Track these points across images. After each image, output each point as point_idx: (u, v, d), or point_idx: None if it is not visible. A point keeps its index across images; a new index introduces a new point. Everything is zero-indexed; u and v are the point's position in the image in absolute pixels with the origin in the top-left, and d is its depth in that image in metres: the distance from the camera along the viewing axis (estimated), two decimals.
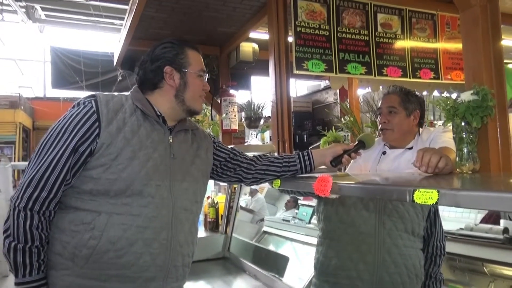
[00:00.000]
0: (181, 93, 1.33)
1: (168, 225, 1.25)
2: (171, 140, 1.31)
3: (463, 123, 1.39)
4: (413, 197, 1.06)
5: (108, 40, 10.99)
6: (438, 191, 0.99)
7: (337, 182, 1.32)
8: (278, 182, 1.79)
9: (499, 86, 1.50)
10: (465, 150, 1.40)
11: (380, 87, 3.90)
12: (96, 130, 1.18)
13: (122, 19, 8.40)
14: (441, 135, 1.81)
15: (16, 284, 1.14)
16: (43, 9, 9.09)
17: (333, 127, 5.15)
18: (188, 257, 1.36)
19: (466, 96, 1.37)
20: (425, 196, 1.03)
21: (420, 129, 1.93)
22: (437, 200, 0.99)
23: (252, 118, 3.34)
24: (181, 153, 1.33)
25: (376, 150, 1.98)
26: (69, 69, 9.90)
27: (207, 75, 1.40)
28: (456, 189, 0.99)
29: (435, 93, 4.22)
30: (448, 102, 1.39)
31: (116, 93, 1.33)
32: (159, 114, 1.30)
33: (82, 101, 1.24)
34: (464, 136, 1.40)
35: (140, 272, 1.20)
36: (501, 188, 1.05)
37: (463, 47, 1.56)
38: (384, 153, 1.97)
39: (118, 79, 6.38)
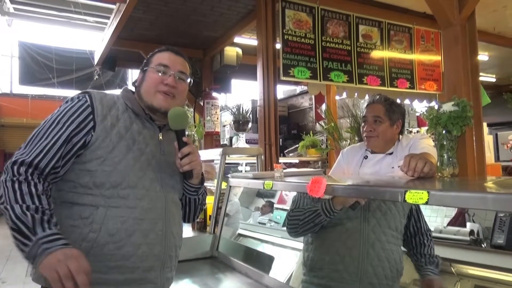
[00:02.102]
0: (138, 89, 1.38)
1: (163, 217, 1.31)
2: (161, 137, 1.37)
3: (444, 131, 1.54)
4: (404, 197, 1.16)
5: (81, 37, 10.72)
6: (428, 192, 1.10)
7: (330, 183, 1.41)
8: (270, 183, 1.87)
9: (475, 98, 1.65)
10: (446, 156, 1.54)
11: (356, 94, 4.07)
12: (90, 122, 1.22)
13: (97, 16, 8.27)
14: (419, 141, 1.94)
15: (37, 243, 1.02)
16: (12, 1, 8.78)
17: (311, 132, 5.30)
18: (179, 248, 1.42)
19: (448, 107, 1.51)
20: (416, 197, 1.14)
21: (400, 136, 2.06)
22: (427, 200, 1.09)
23: (241, 122, 3.42)
24: (170, 150, 1.38)
25: (358, 154, 2.10)
26: (39, 65, 9.60)
27: (171, 71, 1.34)
28: (445, 190, 1.11)
29: (406, 101, 4.46)
30: (432, 112, 1.53)
31: (107, 92, 1.37)
32: (147, 113, 1.36)
33: (76, 96, 1.28)
34: (445, 143, 1.54)
35: (139, 262, 1.25)
36: (482, 190, 1.18)
37: (444, 62, 1.71)
38: (366, 157, 2.07)
39: (95, 77, 6.29)
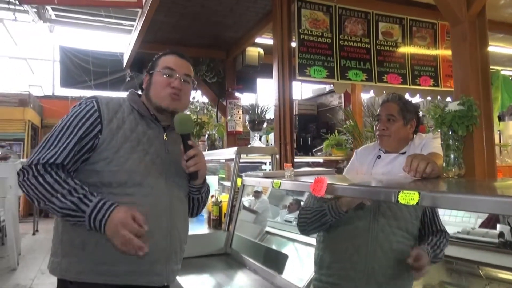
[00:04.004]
0: (147, 92, 1.45)
1: (167, 213, 1.38)
2: (165, 137, 1.44)
3: (450, 131, 1.50)
4: (397, 197, 1.16)
5: (117, 41, 11.11)
6: (419, 193, 1.10)
7: (331, 183, 1.42)
8: (278, 182, 1.90)
9: (485, 97, 1.60)
10: (452, 156, 1.50)
11: (384, 92, 3.99)
12: (98, 126, 1.31)
13: (130, 20, 8.58)
14: (432, 141, 1.90)
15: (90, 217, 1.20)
16: (53, 9, 9.27)
17: (336, 131, 5.25)
18: (184, 243, 1.49)
19: (453, 106, 1.48)
20: (408, 197, 1.14)
21: (414, 135, 2.02)
22: (418, 200, 1.09)
23: (256, 121, 3.45)
24: (174, 149, 1.45)
25: (372, 154, 2.08)
26: (78, 68, 10.06)
27: (177, 74, 1.43)
28: (436, 191, 1.10)
29: (439, 97, 4.31)
30: (437, 111, 1.50)
31: (114, 96, 1.48)
32: (152, 113, 1.43)
33: (84, 101, 1.38)
34: (450, 143, 1.50)
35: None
36: (479, 192, 1.15)
37: (453, 60, 1.66)
38: (379, 157, 2.05)
39: (127, 80, 6.55)
